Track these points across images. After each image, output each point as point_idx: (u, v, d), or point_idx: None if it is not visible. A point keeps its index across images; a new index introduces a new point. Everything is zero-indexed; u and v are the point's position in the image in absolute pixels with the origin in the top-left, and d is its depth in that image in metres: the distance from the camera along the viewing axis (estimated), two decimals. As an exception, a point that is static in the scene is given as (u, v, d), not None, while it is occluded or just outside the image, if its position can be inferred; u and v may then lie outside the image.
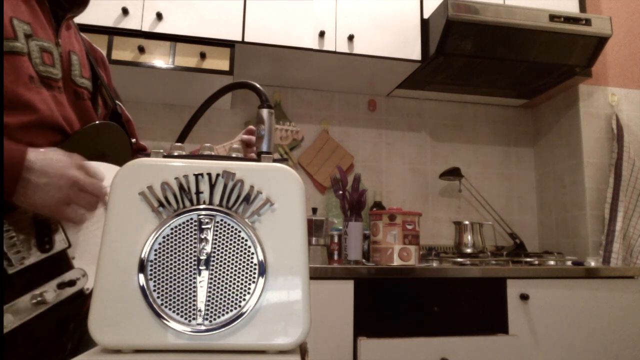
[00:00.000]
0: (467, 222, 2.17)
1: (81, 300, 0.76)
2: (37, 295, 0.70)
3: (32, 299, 0.70)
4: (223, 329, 0.45)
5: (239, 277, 0.47)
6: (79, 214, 0.75)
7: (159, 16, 1.85)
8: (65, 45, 0.85)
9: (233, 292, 0.46)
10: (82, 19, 1.57)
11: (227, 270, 0.47)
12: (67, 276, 0.74)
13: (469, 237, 2.15)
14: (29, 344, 0.71)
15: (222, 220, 0.48)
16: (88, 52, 0.94)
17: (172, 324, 0.45)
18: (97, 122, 0.87)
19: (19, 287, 0.69)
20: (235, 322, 0.46)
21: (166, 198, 0.48)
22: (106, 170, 0.82)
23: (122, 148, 0.90)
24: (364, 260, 1.86)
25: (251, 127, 1.05)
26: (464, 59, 2.07)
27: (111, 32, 1.81)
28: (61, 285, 0.73)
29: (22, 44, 0.74)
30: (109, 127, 0.89)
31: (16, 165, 0.68)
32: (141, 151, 1.02)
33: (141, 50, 1.80)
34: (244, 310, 0.46)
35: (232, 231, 0.48)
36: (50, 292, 0.71)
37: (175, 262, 0.46)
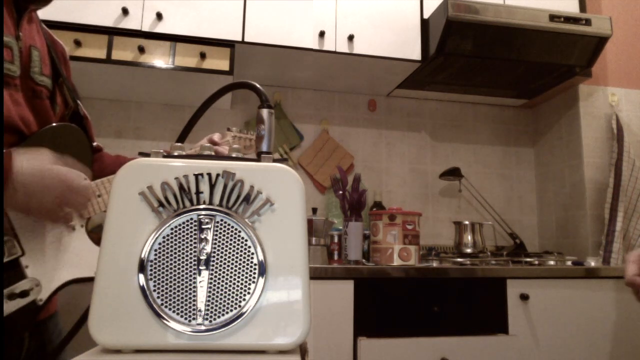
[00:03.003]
0: (467, 222, 2.17)
1: (34, 311, 0.72)
2: None
3: None
4: (223, 329, 0.45)
5: (239, 277, 0.47)
6: (69, 214, 0.74)
7: (159, 16, 1.85)
8: (26, 40, 0.81)
9: (233, 292, 0.46)
10: (82, 19, 1.56)
11: (227, 270, 0.47)
12: (19, 286, 0.70)
13: (469, 237, 2.15)
14: None
15: (222, 220, 0.48)
16: (50, 47, 0.89)
17: (172, 324, 0.45)
18: (55, 124, 0.83)
19: None
20: (235, 322, 0.46)
21: (166, 198, 0.48)
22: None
23: (82, 150, 0.86)
24: (364, 260, 1.86)
25: (215, 136, 1.04)
26: (464, 59, 2.07)
27: (111, 32, 1.80)
28: (12, 297, 0.69)
29: None
30: (67, 129, 0.84)
31: (6, 169, 0.66)
32: (97, 151, 0.99)
33: (141, 50, 1.80)
34: (244, 310, 0.46)
35: (232, 231, 0.48)
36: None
37: (175, 262, 0.46)
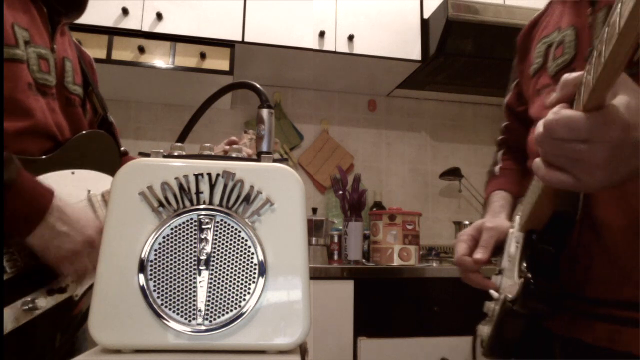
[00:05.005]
0: (467, 222, 2.17)
1: (70, 306, 0.76)
2: (29, 302, 0.70)
3: (24, 305, 0.69)
4: (223, 329, 0.45)
5: (239, 277, 0.47)
6: (79, 273, 0.75)
7: (159, 16, 1.85)
8: (60, 52, 0.87)
9: (233, 292, 0.46)
10: (82, 19, 1.56)
11: (227, 270, 0.47)
12: (57, 283, 0.74)
13: (469, 237, 2.14)
14: (21, 350, 0.70)
15: (222, 220, 0.48)
16: (80, 58, 0.95)
17: (172, 324, 0.45)
18: (87, 131, 0.88)
19: (11, 293, 0.69)
20: (235, 322, 0.46)
21: (166, 198, 0.48)
22: (95, 179, 0.83)
23: (112, 156, 0.92)
24: (364, 260, 1.86)
25: (233, 138, 1.07)
26: (464, 59, 2.07)
27: (111, 32, 1.80)
28: (51, 292, 0.73)
29: (22, 52, 0.76)
30: (99, 136, 0.90)
31: (42, 209, 0.69)
32: (123, 155, 1.03)
33: (141, 50, 1.80)
34: (244, 310, 0.46)
35: (232, 231, 0.48)
36: (41, 299, 0.71)
37: (175, 262, 0.46)
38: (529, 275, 0.59)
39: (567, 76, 0.48)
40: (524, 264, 0.61)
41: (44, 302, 0.71)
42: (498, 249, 0.77)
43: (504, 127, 0.99)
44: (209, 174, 0.49)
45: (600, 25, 0.63)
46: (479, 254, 0.75)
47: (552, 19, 0.83)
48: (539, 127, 0.47)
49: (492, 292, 0.73)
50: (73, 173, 0.81)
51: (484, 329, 0.75)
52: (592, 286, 0.63)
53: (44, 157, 0.78)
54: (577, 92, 0.46)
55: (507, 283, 0.69)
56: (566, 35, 0.72)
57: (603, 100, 0.43)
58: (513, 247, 0.70)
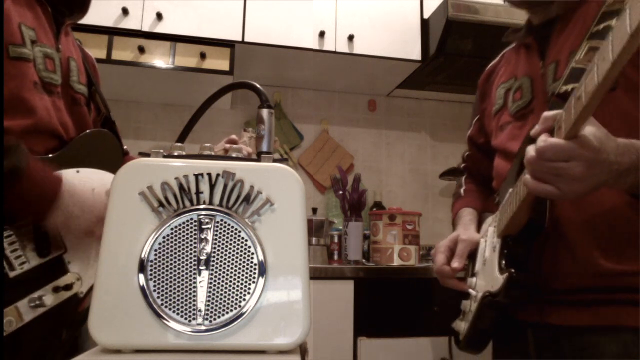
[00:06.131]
0: (467, 222, 2.16)
1: (75, 303, 0.78)
2: (36, 299, 0.72)
3: (30, 302, 0.71)
4: (223, 329, 0.45)
5: (239, 277, 0.47)
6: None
7: (159, 16, 1.84)
8: (65, 51, 0.88)
9: (233, 292, 0.46)
10: (82, 19, 1.56)
11: (227, 270, 0.47)
12: (63, 280, 0.76)
13: (469, 237, 2.14)
14: (27, 346, 0.72)
15: (222, 220, 0.48)
16: (83, 58, 0.97)
17: (172, 324, 0.45)
18: (92, 130, 0.90)
19: (19, 290, 0.71)
20: (235, 322, 0.46)
21: (166, 198, 0.48)
22: (99, 177, 0.84)
23: (115, 155, 0.93)
24: (364, 260, 1.86)
25: (233, 137, 1.07)
26: (464, 59, 2.07)
27: (111, 32, 1.80)
28: (57, 289, 0.75)
29: (29, 50, 0.77)
30: (103, 135, 0.92)
31: (54, 192, 0.71)
32: (124, 155, 1.05)
33: (141, 50, 1.80)
34: (244, 310, 0.46)
35: (232, 231, 0.48)
36: (48, 296, 0.73)
37: (175, 262, 0.46)
38: (512, 269, 0.71)
39: (546, 114, 0.62)
40: (504, 262, 0.74)
41: (50, 300, 0.73)
42: (470, 256, 0.91)
43: (466, 156, 1.20)
44: (209, 174, 0.49)
45: (552, 75, 0.81)
46: (455, 263, 0.89)
47: (507, 68, 1.02)
48: (529, 151, 0.61)
49: (470, 291, 0.85)
50: (78, 172, 0.82)
51: (461, 325, 0.88)
52: (558, 279, 0.76)
53: (49, 155, 0.79)
54: (555, 125, 0.60)
55: (482, 283, 0.81)
56: (523, 83, 0.89)
57: (579, 131, 0.57)
58: (488, 252, 0.82)
